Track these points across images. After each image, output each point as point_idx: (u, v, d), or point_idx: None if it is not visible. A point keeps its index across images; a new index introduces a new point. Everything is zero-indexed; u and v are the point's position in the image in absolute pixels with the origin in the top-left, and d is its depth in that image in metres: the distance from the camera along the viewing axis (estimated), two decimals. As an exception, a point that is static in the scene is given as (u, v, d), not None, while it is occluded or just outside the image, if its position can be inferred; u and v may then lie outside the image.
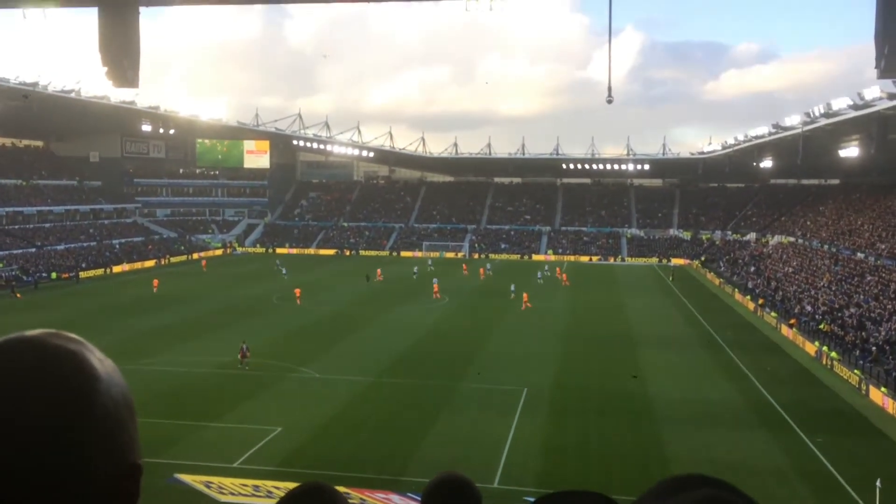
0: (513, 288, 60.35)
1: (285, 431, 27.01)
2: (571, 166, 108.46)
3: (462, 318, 50.44)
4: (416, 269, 77.06)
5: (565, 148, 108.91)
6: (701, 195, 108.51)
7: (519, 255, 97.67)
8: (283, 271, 74.75)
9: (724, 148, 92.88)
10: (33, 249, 76.65)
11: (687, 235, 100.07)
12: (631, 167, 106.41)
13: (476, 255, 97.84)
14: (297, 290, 57.84)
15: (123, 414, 1.10)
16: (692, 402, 31.59)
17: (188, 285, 66.15)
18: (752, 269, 72.51)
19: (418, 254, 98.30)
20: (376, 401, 30.90)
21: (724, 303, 60.38)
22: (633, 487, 22.24)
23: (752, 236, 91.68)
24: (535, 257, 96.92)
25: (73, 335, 1.13)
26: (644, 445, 26.03)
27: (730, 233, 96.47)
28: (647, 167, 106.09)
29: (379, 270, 72.43)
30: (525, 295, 56.24)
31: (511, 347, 41.35)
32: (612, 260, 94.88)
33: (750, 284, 63.58)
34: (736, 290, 64.60)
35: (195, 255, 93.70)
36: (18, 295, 60.09)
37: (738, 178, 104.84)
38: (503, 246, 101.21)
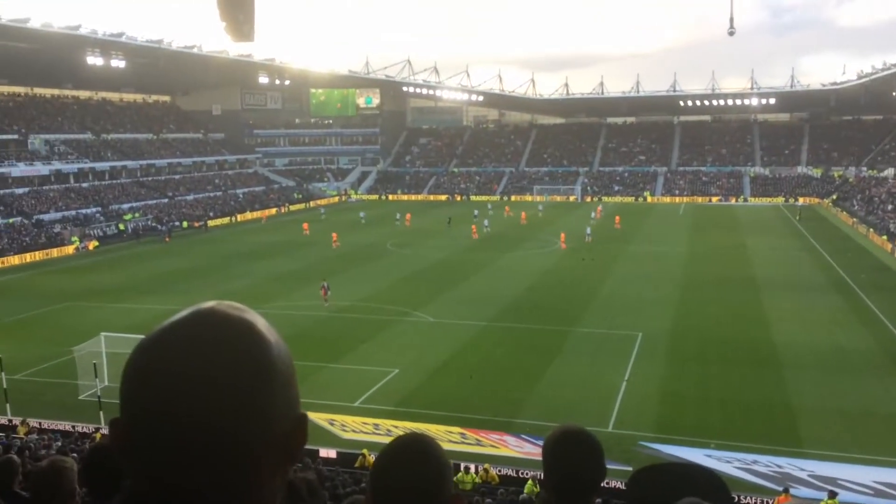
0: (588, 231, 59.50)
1: (402, 373, 27.92)
2: (689, 103, 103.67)
3: (575, 263, 50.03)
4: (476, 211, 76.62)
5: (683, 84, 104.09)
6: (833, 129, 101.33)
7: (633, 198, 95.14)
8: (362, 215, 76.49)
9: (859, 77, 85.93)
10: (165, 200, 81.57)
11: (817, 173, 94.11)
12: (755, 102, 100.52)
13: (589, 198, 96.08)
14: (335, 235, 59.50)
15: (291, 373, 1.29)
16: (821, 348, 30.15)
17: (305, 232, 68.77)
18: (890, 207, 67.48)
19: (528, 198, 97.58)
20: (490, 345, 31.35)
21: (857, 244, 56.75)
22: (756, 436, 21.65)
23: (890, 172, 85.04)
24: (650, 199, 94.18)
25: (240, 305, 1.29)
26: (768, 394, 25.17)
27: (865, 169, 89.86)
28: (772, 101, 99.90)
29: (409, 215, 72.17)
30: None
31: (625, 292, 40.74)
32: (733, 200, 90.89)
33: (892, 227, 59.21)
34: (871, 230, 60.47)
35: (312, 203, 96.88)
36: (168, 239, 66.48)
37: (876, 110, 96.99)
38: (616, 188, 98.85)
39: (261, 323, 1.28)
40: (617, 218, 68.08)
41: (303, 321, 35.65)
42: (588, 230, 60.00)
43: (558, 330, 33.36)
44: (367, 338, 32.61)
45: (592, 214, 71.22)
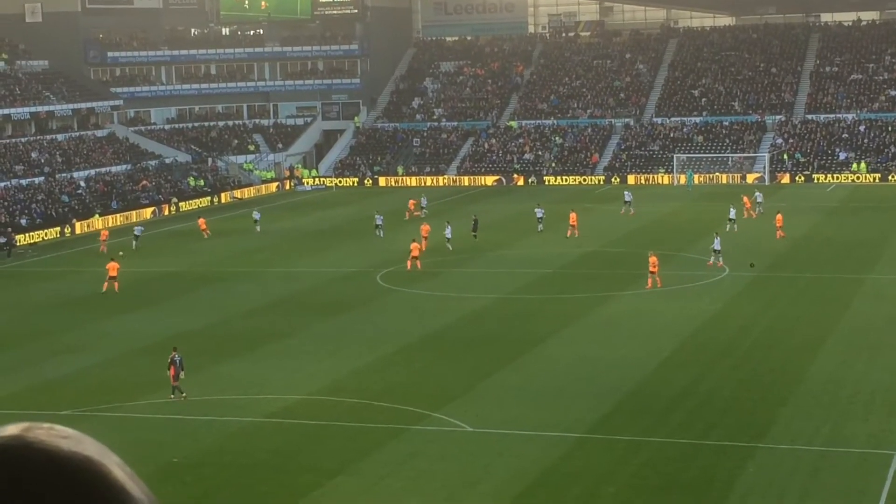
0: (716, 245, 59.27)
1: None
2: None
3: (759, 309, 50.09)
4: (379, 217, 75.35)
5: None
6: None
7: (877, 176, 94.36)
8: (256, 217, 79.00)
9: None
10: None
11: None
12: None
13: (783, 177, 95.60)
14: (202, 221, 69.28)
15: None
16: None
17: (224, 251, 70.07)
18: None
19: (661, 178, 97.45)
20: (589, 477, 31.30)
21: None
22: None
23: None
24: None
25: (71, 431, 1.35)
26: None
27: None
28: None
29: (425, 228, 69.14)
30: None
31: (861, 369, 40.69)
32: None
33: None
34: None
35: (225, 197, 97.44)
36: None
37: None
38: (843, 156, 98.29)
39: (118, 466, 1.31)
40: (779, 217, 67.48)
41: (212, 435, 35.82)
42: (716, 243, 59.58)
43: (728, 446, 33.21)
44: (339, 467, 32.61)
45: (732, 212, 70.81)
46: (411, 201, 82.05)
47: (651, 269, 54.46)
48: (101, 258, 67.44)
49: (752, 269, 57.57)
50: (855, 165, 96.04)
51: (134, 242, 72.84)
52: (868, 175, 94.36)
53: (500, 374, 41.32)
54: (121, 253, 66.62)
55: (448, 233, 67.00)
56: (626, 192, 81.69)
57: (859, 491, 29.84)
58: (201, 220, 77.14)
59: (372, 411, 37.50)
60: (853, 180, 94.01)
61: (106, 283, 57.96)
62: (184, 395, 38.70)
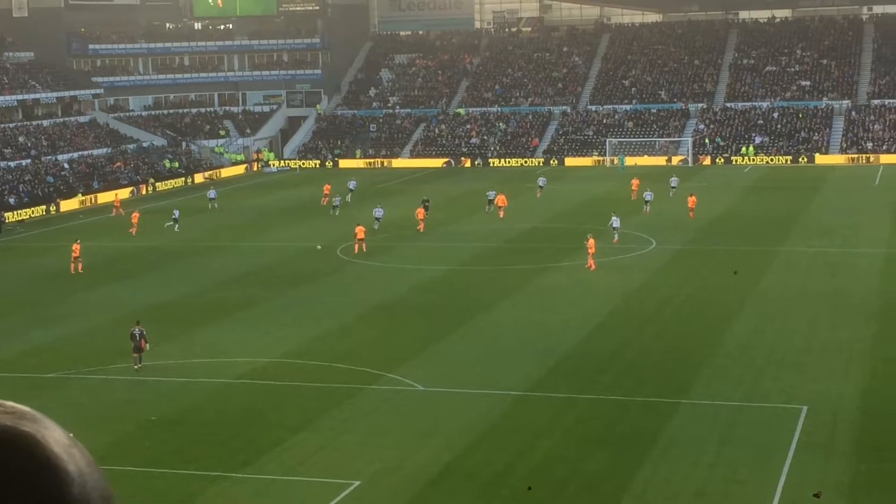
0: (615, 223, 60.08)
1: (368, 485, 28.00)
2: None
3: (682, 279, 50.59)
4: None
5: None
6: None
7: (788, 158, 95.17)
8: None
9: None
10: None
11: None
12: None
13: (705, 160, 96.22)
14: (117, 200, 71.75)
15: None
16: None
17: (197, 228, 69.81)
18: None
19: (600, 160, 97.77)
20: (529, 431, 31.48)
21: None
22: None
23: None
24: (820, 159, 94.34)
25: (20, 407, 1.28)
26: None
27: None
28: None
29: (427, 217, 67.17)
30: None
31: (773, 332, 41.17)
32: None
33: None
34: None
35: (200, 177, 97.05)
36: None
37: None
38: (758, 139, 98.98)
39: (55, 441, 1.23)
40: (691, 199, 67.26)
41: (185, 394, 35.81)
42: (615, 221, 59.86)
43: (654, 402, 33.53)
44: (302, 423, 32.71)
45: (649, 195, 70.08)
46: (326, 186, 79.44)
47: (589, 249, 54.61)
48: (107, 229, 66.85)
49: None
50: (744, 149, 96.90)
51: (176, 225, 69.11)
52: (781, 157, 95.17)
53: (449, 339, 41.64)
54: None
55: (378, 213, 66.28)
56: (540, 178, 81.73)
57: (772, 441, 30.17)
58: (116, 200, 78.20)
59: (332, 373, 37.65)
60: (767, 162, 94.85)
61: (73, 264, 56.23)
62: (138, 367, 38.09)
